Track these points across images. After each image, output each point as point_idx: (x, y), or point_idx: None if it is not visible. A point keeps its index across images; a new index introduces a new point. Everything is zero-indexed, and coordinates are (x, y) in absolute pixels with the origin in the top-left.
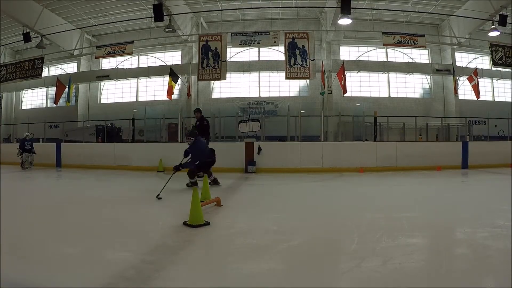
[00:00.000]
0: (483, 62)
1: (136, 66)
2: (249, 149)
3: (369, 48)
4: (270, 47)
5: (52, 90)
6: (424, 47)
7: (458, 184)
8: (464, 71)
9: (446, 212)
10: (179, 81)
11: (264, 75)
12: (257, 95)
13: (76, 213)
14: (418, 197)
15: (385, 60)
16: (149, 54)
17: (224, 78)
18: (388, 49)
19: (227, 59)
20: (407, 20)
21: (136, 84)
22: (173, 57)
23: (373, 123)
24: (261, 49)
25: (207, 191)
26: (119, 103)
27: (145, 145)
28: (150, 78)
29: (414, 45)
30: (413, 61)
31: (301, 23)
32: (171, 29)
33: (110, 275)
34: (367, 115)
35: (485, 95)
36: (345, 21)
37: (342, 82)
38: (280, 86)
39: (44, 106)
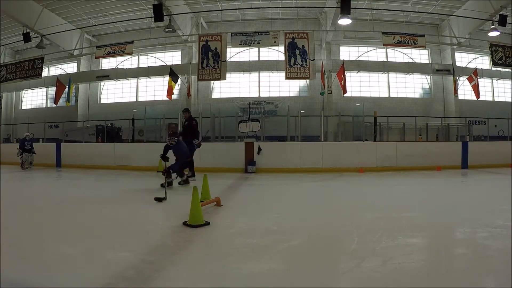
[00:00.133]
0: (483, 62)
1: (136, 66)
2: (249, 149)
3: (369, 48)
4: (270, 47)
5: (52, 90)
6: (424, 47)
7: (458, 184)
8: (464, 71)
9: (446, 212)
10: (179, 81)
11: (264, 75)
12: (257, 95)
13: (76, 213)
14: (418, 197)
15: (385, 60)
16: (149, 54)
17: (224, 78)
18: (388, 49)
19: (227, 59)
20: (407, 20)
21: (136, 84)
22: (173, 57)
23: (373, 123)
24: (261, 49)
25: (207, 191)
26: (119, 103)
27: (145, 145)
28: (150, 78)
29: (414, 45)
30: (413, 61)
31: (301, 23)
32: (171, 29)
33: (110, 275)
34: (367, 115)
35: (485, 95)
36: (345, 21)
37: (342, 82)
38: (280, 86)
39: (44, 106)
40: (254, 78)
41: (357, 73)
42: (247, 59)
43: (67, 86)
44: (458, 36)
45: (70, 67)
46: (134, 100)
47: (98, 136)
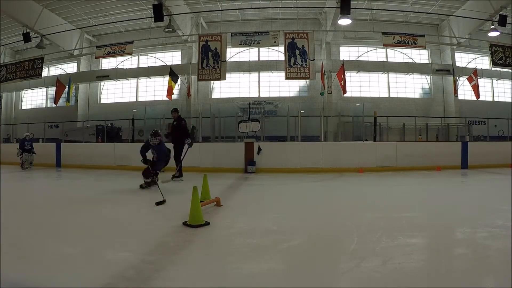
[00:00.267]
0: (483, 62)
1: (136, 66)
2: (249, 149)
3: (369, 48)
4: (270, 47)
5: (52, 90)
6: (423, 47)
7: (458, 184)
8: (463, 71)
9: (446, 212)
10: (179, 81)
11: (264, 75)
12: (257, 95)
13: (76, 213)
14: (417, 197)
15: (385, 60)
16: (149, 54)
17: (224, 78)
18: (388, 49)
19: (227, 59)
20: (407, 20)
21: (136, 84)
22: (173, 57)
23: (373, 123)
24: (261, 49)
25: (207, 191)
26: (119, 103)
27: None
28: (150, 78)
29: (413, 45)
30: (413, 61)
31: (301, 23)
32: (171, 29)
33: (110, 275)
34: (366, 115)
35: (485, 95)
36: (345, 21)
37: (342, 82)
38: (280, 86)
39: (44, 106)
40: (254, 78)
41: (357, 73)
42: (247, 59)
43: (67, 86)
44: (458, 36)
45: (70, 67)
46: (134, 100)
47: (98, 136)
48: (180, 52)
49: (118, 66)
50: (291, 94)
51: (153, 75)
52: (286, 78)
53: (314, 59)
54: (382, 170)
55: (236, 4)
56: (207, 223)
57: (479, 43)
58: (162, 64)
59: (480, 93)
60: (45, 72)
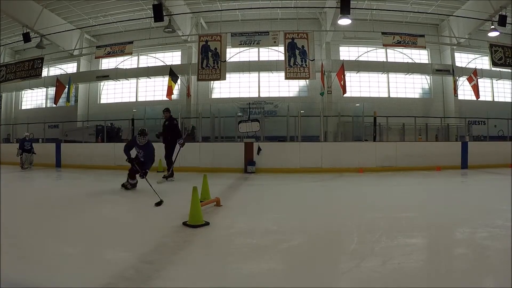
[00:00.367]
0: (483, 62)
1: (136, 66)
2: (249, 149)
3: (369, 48)
4: (269, 47)
5: (51, 90)
6: (423, 47)
7: (458, 184)
8: (463, 71)
9: (446, 212)
10: (178, 81)
11: (264, 75)
12: (257, 95)
13: (76, 213)
14: (417, 197)
15: (385, 60)
16: (148, 54)
17: (224, 78)
18: (387, 49)
19: (226, 59)
20: (407, 21)
21: (136, 84)
22: (173, 57)
23: (373, 123)
24: (260, 49)
25: (207, 191)
26: (119, 103)
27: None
28: (150, 78)
29: (413, 45)
30: (413, 61)
31: (301, 23)
32: (171, 29)
33: (110, 275)
34: (366, 115)
35: (485, 95)
36: (344, 21)
37: (342, 82)
38: (279, 86)
39: (44, 106)
40: (254, 78)
41: (356, 73)
42: (247, 59)
43: (67, 86)
44: (458, 36)
45: (70, 67)
46: (134, 100)
47: (98, 136)
48: (180, 52)
49: (118, 66)
50: (291, 94)
51: (153, 75)
52: (286, 78)
53: (314, 59)
54: (382, 170)
55: (236, 4)
56: (207, 223)
57: (479, 43)
58: (162, 64)
59: (480, 93)
60: (45, 72)
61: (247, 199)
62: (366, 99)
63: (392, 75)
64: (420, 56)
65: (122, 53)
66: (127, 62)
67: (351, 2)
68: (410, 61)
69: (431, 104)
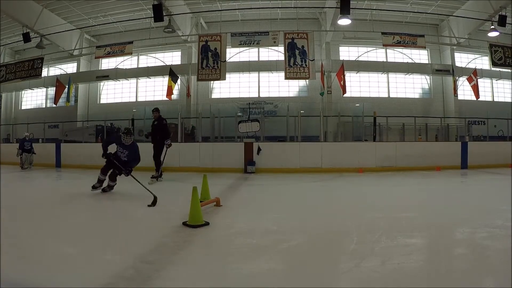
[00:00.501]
0: (483, 62)
1: (135, 66)
2: (249, 149)
3: (369, 48)
4: (269, 47)
5: (51, 90)
6: (423, 47)
7: (458, 184)
8: (463, 71)
9: (445, 212)
10: (178, 81)
11: (264, 75)
12: (257, 95)
13: (76, 213)
14: (417, 197)
15: (385, 60)
16: (148, 54)
17: (224, 79)
18: (387, 50)
19: (226, 59)
20: (407, 21)
21: (135, 84)
22: (173, 57)
23: (373, 123)
24: (260, 49)
25: (207, 191)
26: (119, 103)
27: (145, 145)
28: (150, 78)
29: (413, 45)
30: (413, 62)
31: (301, 23)
32: (171, 29)
33: (110, 275)
34: (366, 115)
35: (485, 96)
36: (344, 21)
37: (342, 82)
38: (279, 86)
39: (44, 106)
40: (254, 78)
41: (356, 73)
42: (247, 59)
43: (67, 86)
44: (458, 37)
45: (70, 67)
46: (134, 100)
47: (98, 136)
48: (180, 52)
49: (118, 66)
50: (291, 94)
51: (153, 75)
52: (286, 78)
53: (313, 59)
54: (381, 170)
55: (236, 4)
56: (207, 223)
57: (479, 43)
58: (162, 64)
59: (480, 93)
60: (45, 72)
61: (247, 199)
62: (366, 99)
63: (392, 75)
64: (420, 56)
65: (122, 53)
66: (127, 62)
67: (351, 2)
68: (410, 61)
69: (431, 104)
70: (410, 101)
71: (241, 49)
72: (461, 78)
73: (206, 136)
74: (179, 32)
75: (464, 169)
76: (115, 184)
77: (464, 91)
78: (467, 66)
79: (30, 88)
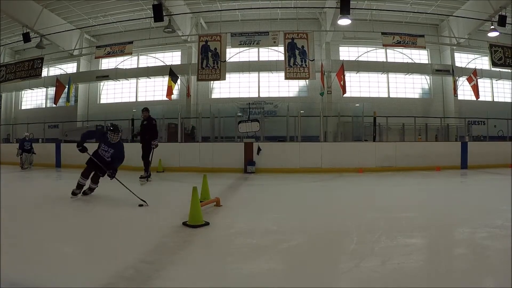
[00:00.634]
0: (483, 62)
1: (135, 66)
2: (249, 149)
3: (369, 49)
4: (269, 47)
5: (51, 90)
6: (423, 47)
7: (457, 184)
8: (463, 71)
9: (445, 212)
10: (178, 81)
11: (264, 75)
12: (257, 95)
13: (75, 213)
14: (417, 197)
15: (385, 60)
16: (148, 54)
17: (224, 79)
18: (387, 50)
19: (226, 59)
20: (407, 21)
21: (135, 84)
22: (173, 57)
23: (373, 123)
24: (260, 49)
25: (207, 191)
26: (119, 103)
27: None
28: (150, 78)
29: (413, 45)
30: (413, 62)
31: (301, 23)
32: (171, 29)
33: (110, 275)
34: (366, 116)
35: (485, 96)
36: (344, 22)
37: (342, 82)
38: (279, 87)
39: (44, 106)
40: (254, 78)
41: (356, 73)
42: (247, 59)
43: (67, 86)
44: (458, 37)
45: (70, 67)
46: (134, 100)
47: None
48: (180, 52)
49: (118, 66)
50: (291, 94)
51: (152, 75)
52: (286, 78)
53: (313, 59)
54: (381, 170)
55: (236, 4)
56: (207, 223)
57: (479, 43)
58: (162, 64)
59: (480, 93)
60: (44, 72)
61: (247, 199)
62: (366, 99)
63: (392, 75)
64: (420, 56)
65: (122, 53)
66: (127, 62)
67: (351, 2)
68: (410, 61)
69: (431, 104)
70: (410, 101)
71: (241, 49)
72: (461, 78)
73: (206, 136)
74: (179, 32)
75: (464, 169)
76: (97, 187)
77: (464, 91)
78: (467, 66)
79: (30, 88)
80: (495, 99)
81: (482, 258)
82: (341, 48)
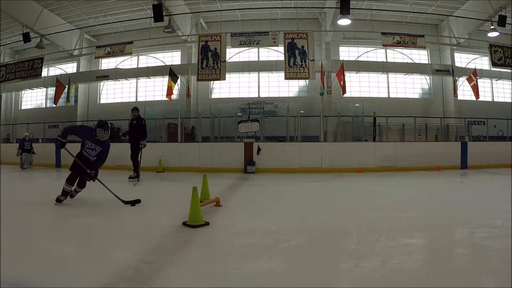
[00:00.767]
0: (482, 62)
1: (135, 66)
2: (249, 149)
3: (369, 49)
4: (269, 47)
5: (51, 90)
6: (423, 47)
7: (457, 184)
8: (463, 71)
9: (445, 212)
10: (178, 81)
11: (264, 75)
12: (257, 95)
13: (75, 213)
14: (417, 197)
15: (385, 60)
16: (148, 54)
17: (224, 79)
18: (387, 50)
19: (226, 59)
20: (407, 21)
21: (135, 84)
22: (173, 57)
23: (373, 123)
24: (260, 49)
25: (207, 191)
26: (119, 103)
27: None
28: (150, 78)
29: (413, 45)
30: (413, 62)
31: (301, 23)
32: (171, 29)
33: (110, 275)
34: (366, 116)
35: (484, 96)
36: (344, 22)
37: (342, 83)
38: (279, 87)
39: (44, 106)
40: (254, 78)
41: (356, 73)
42: (247, 59)
43: (67, 86)
44: (458, 37)
45: (70, 67)
46: (134, 100)
47: None
48: (179, 52)
49: (118, 66)
50: (291, 94)
51: (152, 75)
52: (286, 78)
53: (313, 59)
54: (381, 170)
55: (236, 4)
56: (207, 223)
57: (479, 44)
58: (162, 64)
59: (480, 93)
60: (44, 72)
61: (247, 199)
62: (366, 99)
63: (391, 75)
64: (420, 56)
65: (122, 53)
66: (127, 62)
67: (350, 2)
68: (410, 61)
69: (431, 104)
70: (410, 101)
71: (241, 49)
72: (461, 78)
73: (206, 136)
74: (179, 32)
75: (464, 169)
76: (81, 190)
77: (464, 91)
78: (467, 66)
79: (30, 88)
80: (495, 99)
81: (482, 258)
82: (341, 48)
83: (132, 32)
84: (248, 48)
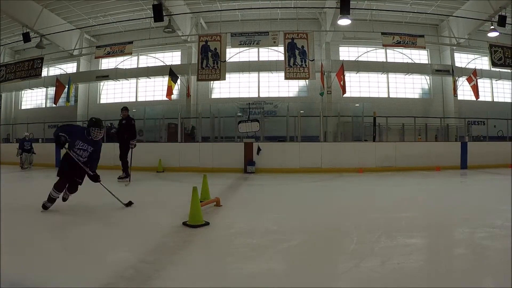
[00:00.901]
0: (482, 62)
1: (135, 66)
2: (249, 149)
3: (369, 49)
4: (269, 47)
5: (51, 90)
6: (423, 47)
7: (457, 184)
8: (463, 71)
9: (445, 212)
10: (178, 81)
11: (264, 75)
12: (257, 95)
13: (75, 213)
14: (417, 197)
15: (385, 60)
16: (148, 54)
17: (224, 79)
18: (387, 50)
19: (226, 59)
20: (407, 21)
21: (135, 84)
22: (173, 57)
23: (372, 123)
24: (260, 49)
25: (207, 191)
26: (119, 103)
27: (144, 145)
28: (150, 78)
29: (413, 45)
30: (412, 62)
31: (301, 23)
32: (171, 29)
33: (110, 275)
34: (366, 116)
35: (484, 96)
36: (344, 22)
37: (342, 83)
38: (279, 87)
39: (44, 106)
40: (254, 78)
41: (356, 73)
42: (247, 59)
43: (67, 86)
44: (458, 37)
45: (70, 67)
46: (134, 100)
47: None
48: (179, 52)
49: (118, 66)
50: (291, 94)
51: (152, 75)
52: (286, 78)
53: (313, 59)
54: (381, 170)
55: (236, 4)
56: (207, 223)
57: (479, 44)
58: (162, 64)
59: (480, 93)
60: (44, 72)
61: (247, 199)
62: (366, 99)
63: (391, 75)
64: (420, 56)
65: (122, 53)
66: (127, 62)
67: (350, 2)
68: (409, 61)
69: (431, 104)
70: (409, 101)
71: (241, 49)
72: (460, 78)
73: (206, 136)
74: (179, 32)
75: (464, 169)
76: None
77: (464, 91)
78: (467, 66)
79: (30, 88)
80: (495, 99)
81: (482, 258)
82: (341, 48)
83: (132, 32)
84: (248, 48)
